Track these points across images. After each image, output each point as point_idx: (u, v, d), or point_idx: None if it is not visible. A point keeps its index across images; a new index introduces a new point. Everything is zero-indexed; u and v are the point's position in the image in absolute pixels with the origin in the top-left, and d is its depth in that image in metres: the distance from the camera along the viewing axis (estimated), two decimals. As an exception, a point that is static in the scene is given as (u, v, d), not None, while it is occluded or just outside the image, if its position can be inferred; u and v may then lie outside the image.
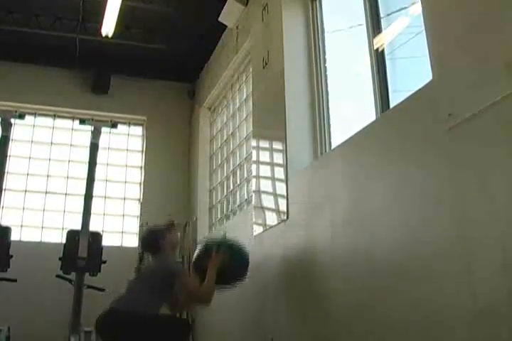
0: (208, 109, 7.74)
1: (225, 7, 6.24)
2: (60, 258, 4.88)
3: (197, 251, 3.87)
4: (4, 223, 6.17)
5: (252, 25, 5.73)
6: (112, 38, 6.39)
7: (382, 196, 3.11)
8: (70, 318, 4.80)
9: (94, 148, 5.39)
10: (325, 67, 4.60)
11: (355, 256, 3.32)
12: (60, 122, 7.88)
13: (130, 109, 7.96)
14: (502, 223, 2.22)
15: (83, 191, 5.26)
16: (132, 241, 7.42)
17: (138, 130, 8.20)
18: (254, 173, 5.18)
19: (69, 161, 7.62)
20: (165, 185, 7.61)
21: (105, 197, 7.56)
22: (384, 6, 3.84)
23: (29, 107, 7.59)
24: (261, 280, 4.59)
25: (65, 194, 7.44)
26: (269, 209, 4.70)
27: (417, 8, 3.15)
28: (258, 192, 4.97)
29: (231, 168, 6.56)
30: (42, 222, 7.27)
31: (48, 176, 7.52)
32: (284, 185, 4.39)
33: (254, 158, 5.23)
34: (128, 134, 8.12)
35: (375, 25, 3.84)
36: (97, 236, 5.11)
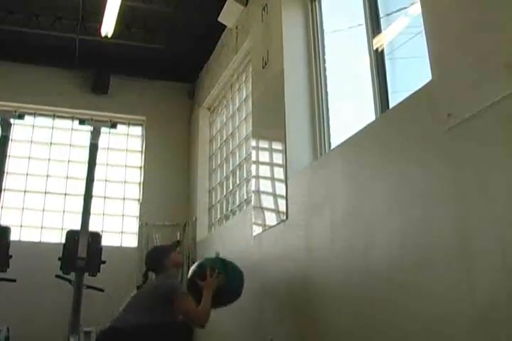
0: (208, 109, 7.74)
1: (224, 7, 6.24)
2: (59, 259, 4.87)
3: (191, 272, 3.85)
4: (4, 223, 6.16)
5: (251, 26, 5.73)
6: (111, 38, 6.38)
7: (382, 196, 3.10)
8: (69, 318, 4.79)
9: (93, 148, 5.38)
10: (324, 67, 4.60)
11: (354, 256, 3.32)
12: (59, 122, 7.88)
13: (130, 109, 7.96)
14: (502, 223, 2.22)
15: (83, 191, 5.25)
16: (132, 242, 7.43)
17: (137, 130, 8.20)
18: (253, 173, 5.18)
19: (68, 161, 7.62)
20: (164, 185, 7.62)
21: (105, 198, 7.56)
22: (383, 6, 3.84)
23: (29, 107, 7.59)
24: (260, 280, 4.59)
25: (65, 194, 7.45)
26: (268, 209, 4.70)
27: (417, 8, 3.15)
28: (257, 192, 4.97)
29: (230, 168, 6.56)
30: (41, 222, 7.28)
31: (47, 176, 7.52)
32: (283, 186, 4.39)
33: (253, 158, 5.23)
34: (127, 134, 8.13)
35: (374, 26, 3.84)
36: (96, 237, 5.10)
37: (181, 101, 8.16)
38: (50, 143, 7.72)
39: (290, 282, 4.14)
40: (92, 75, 7.69)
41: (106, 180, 7.64)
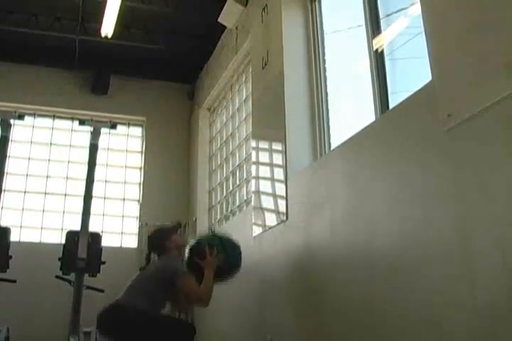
0: (208, 110, 7.74)
1: (224, 8, 6.25)
2: (59, 259, 4.87)
3: (188, 252, 3.85)
4: (4, 224, 6.16)
5: (251, 26, 5.73)
6: (111, 38, 6.39)
7: (382, 197, 3.10)
8: (69, 319, 4.79)
9: (93, 148, 5.38)
10: (324, 68, 4.60)
11: (354, 256, 3.32)
12: (59, 123, 7.89)
13: (129, 110, 7.97)
14: (502, 223, 2.22)
15: (82, 192, 5.25)
16: (131, 242, 7.42)
17: (137, 131, 8.20)
18: (253, 174, 5.18)
19: (68, 162, 7.63)
20: (164, 186, 7.62)
21: (105, 198, 7.56)
22: (383, 6, 3.84)
23: (28, 108, 7.59)
24: (260, 280, 4.59)
25: (65, 194, 7.45)
26: (268, 209, 4.70)
27: (417, 9, 3.15)
28: (257, 192, 4.97)
29: (230, 169, 6.56)
30: (41, 222, 7.28)
31: (47, 177, 7.53)
32: (283, 186, 4.39)
33: (253, 158, 5.23)
34: (127, 135, 8.13)
35: (374, 26, 3.84)
36: (96, 237, 5.10)
37: (181, 101, 8.16)
38: (50, 144, 7.72)
39: (290, 282, 4.14)
40: (92, 76, 7.69)
41: (106, 181, 7.64)
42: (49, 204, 7.38)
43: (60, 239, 6.11)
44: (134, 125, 8.18)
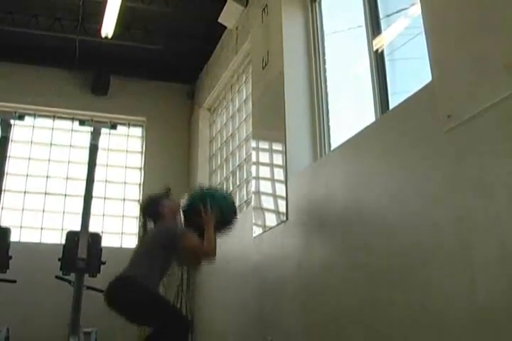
0: (208, 110, 7.74)
1: (224, 8, 6.25)
2: (59, 259, 4.87)
3: (183, 213, 3.83)
4: (4, 224, 6.16)
5: (251, 26, 5.73)
6: (111, 38, 6.39)
7: (382, 197, 3.10)
8: (69, 319, 4.79)
9: (93, 149, 5.38)
10: (324, 68, 4.60)
11: (354, 256, 3.32)
12: (59, 123, 7.89)
13: (130, 110, 7.97)
14: (502, 223, 2.22)
15: (83, 192, 5.25)
16: (132, 242, 7.42)
17: (137, 131, 8.21)
18: (253, 174, 5.18)
19: (68, 162, 7.63)
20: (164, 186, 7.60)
21: (105, 198, 7.56)
22: (383, 7, 3.84)
23: (29, 108, 7.59)
24: (260, 281, 4.59)
25: (65, 195, 7.45)
26: (268, 210, 4.70)
27: (417, 9, 3.16)
28: (258, 193, 4.97)
29: (230, 169, 6.56)
30: (41, 222, 7.28)
31: (47, 177, 7.53)
32: (283, 186, 4.39)
33: (253, 159, 5.23)
34: (127, 135, 8.14)
35: (374, 27, 3.84)
36: (96, 237, 5.09)
37: (181, 102, 8.16)
38: (50, 144, 7.72)
39: (290, 282, 4.13)
40: (92, 76, 7.69)
41: (106, 181, 7.64)
42: (49, 205, 7.39)
43: (60, 239, 6.12)
44: (134, 125, 8.19)
